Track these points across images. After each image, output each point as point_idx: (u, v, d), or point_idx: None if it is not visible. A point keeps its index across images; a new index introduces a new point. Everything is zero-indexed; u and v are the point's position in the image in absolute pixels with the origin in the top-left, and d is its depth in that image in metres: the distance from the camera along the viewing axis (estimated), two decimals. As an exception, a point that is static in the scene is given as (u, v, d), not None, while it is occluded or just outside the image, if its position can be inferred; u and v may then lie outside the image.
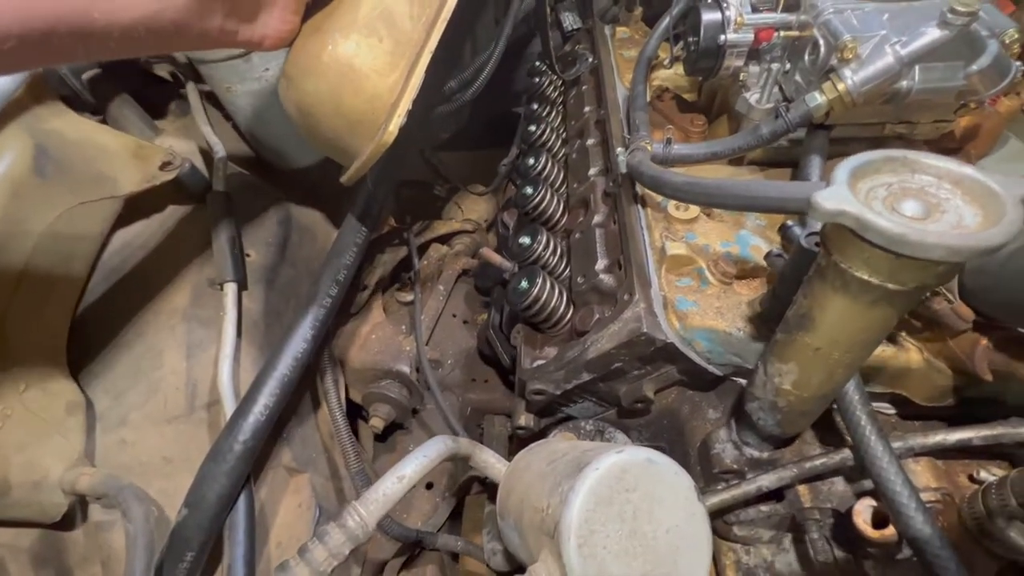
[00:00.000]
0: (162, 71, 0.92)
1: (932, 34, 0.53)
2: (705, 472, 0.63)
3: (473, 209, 1.40)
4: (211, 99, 0.90)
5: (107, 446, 0.63)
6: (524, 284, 0.70)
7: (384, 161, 0.61)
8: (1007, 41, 0.55)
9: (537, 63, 1.22)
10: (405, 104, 0.58)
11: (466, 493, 0.99)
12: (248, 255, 0.81)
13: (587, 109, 0.99)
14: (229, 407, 0.66)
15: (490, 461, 0.66)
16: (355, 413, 1.04)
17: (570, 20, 1.26)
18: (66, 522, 0.61)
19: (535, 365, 0.69)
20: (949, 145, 0.75)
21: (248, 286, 0.78)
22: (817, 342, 0.42)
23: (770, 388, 0.50)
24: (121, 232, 0.71)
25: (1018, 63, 0.60)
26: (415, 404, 1.02)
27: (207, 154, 0.84)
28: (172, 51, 0.76)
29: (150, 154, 0.72)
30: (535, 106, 1.10)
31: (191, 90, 0.88)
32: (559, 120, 1.08)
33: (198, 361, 0.70)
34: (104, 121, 0.79)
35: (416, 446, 1.10)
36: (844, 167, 0.36)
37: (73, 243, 0.64)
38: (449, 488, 0.99)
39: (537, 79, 1.18)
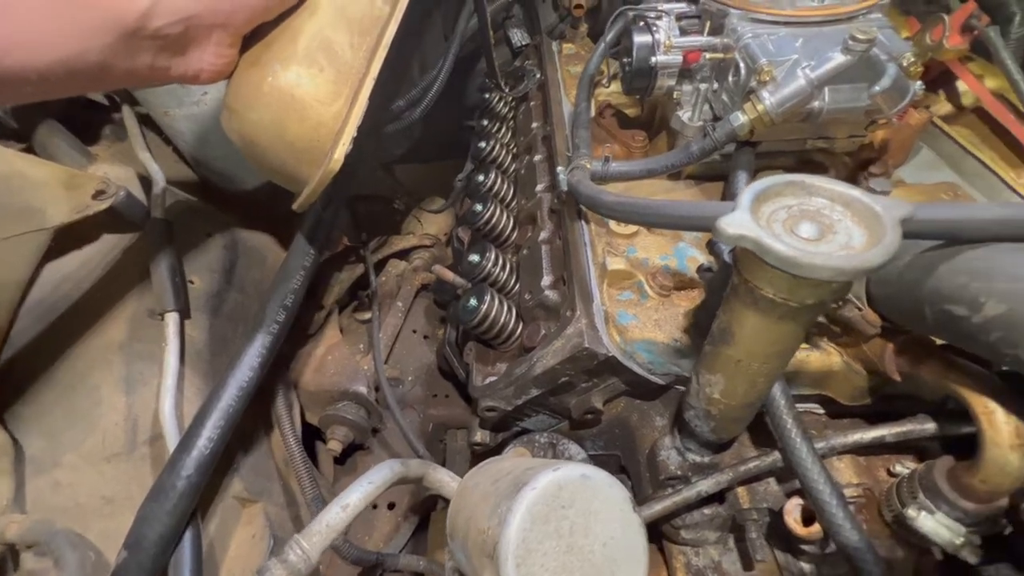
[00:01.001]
0: (95, 94, 0.89)
1: (837, 59, 0.57)
2: (653, 479, 0.65)
3: (432, 223, 1.40)
4: (149, 122, 0.88)
5: (40, 489, 0.61)
6: (472, 302, 0.71)
7: (333, 183, 0.61)
8: (905, 64, 0.59)
9: (487, 79, 1.24)
10: (350, 131, 0.59)
11: (431, 510, 0.99)
12: (191, 282, 0.79)
13: (535, 125, 1.01)
14: (172, 442, 0.64)
15: (444, 480, 0.66)
16: (315, 436, 1.03)
17: (519, 36, 1.29)
18: (-4, 573, 0.58)
19: (486, 382, 0.70)
20: (869, 156, 0.81)
21: (191, 314, 0.76)
22: (737, 354, 0.45)
23: (702, 397, 0.52)
24: (52, 265, 0.68)
25: (918, 83, 0.65)
26: (374, 424, 1.01)
27: (146, 180, 0.82)
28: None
29: (82, 183, 0.70)
30: (485, 122, 1.12)
31: (127, 114, 0.85)
32: (509, 136, 1.10)
33: (139, 395, 0.68)
34: (30, 149, 0.76)
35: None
36: (748, 192, 0.38)
37: (-3, 280, 0.61)
38: (412, 507, 0.99)
39: (487, 95, 1.20)
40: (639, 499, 0.65)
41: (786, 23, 0.64)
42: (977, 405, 0.41)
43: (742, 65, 0.64)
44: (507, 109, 1.16)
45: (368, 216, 1.34)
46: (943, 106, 0.86)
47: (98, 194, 0.70)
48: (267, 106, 0.58)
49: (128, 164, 0.82)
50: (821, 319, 0.55)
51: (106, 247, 0.74)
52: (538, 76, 1.12)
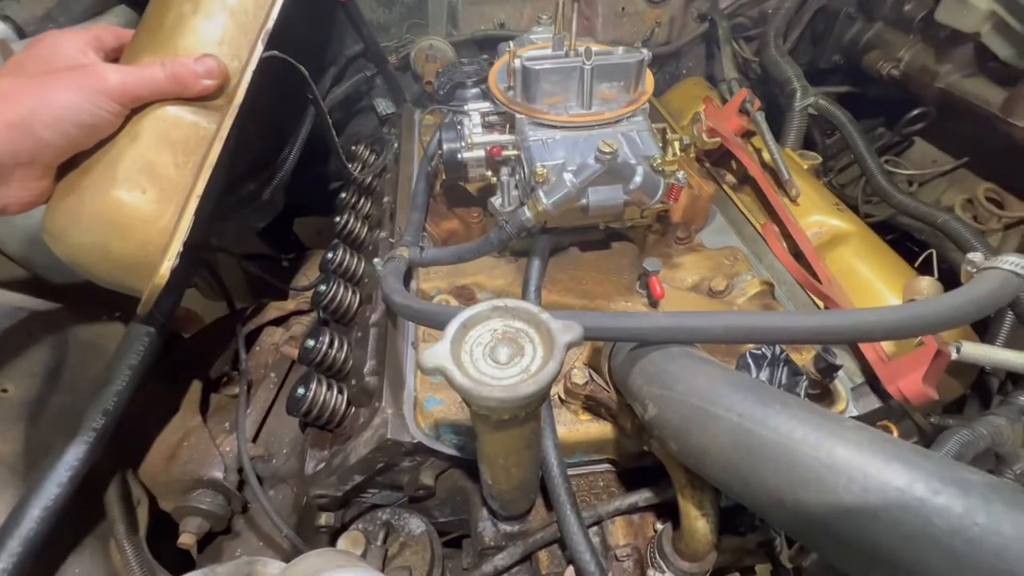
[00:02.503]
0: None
1: (592, 167, 0.66)
2: (473, 550, 0.69)
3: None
4: (-39, 221, 0.84)
5: None
6: (300, 391, 0.74)
7: (168, 287, 0.62)
8: (654, 164, 0.69)
9: (352, 147, 1.28)
10: (176, 245, 0.61)
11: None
12: (4, 391, 0.76)
13: (386, 199, 1.06)
14: (-37, 576, 0.61)
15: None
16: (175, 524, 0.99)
17: (383, 106, 1.34)
18: None
19: (315, 470, 0.72)
20: (673, 222, 0.92)
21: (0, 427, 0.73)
22: (485, 451, 0.50)
23: (484, 480, 0.57)
24: None
25: (681, 173, 0.75)
26: (236, 509, 0.99)
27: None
28: None
29: None
30: (343, 195, 1.15)
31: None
32: (369, 206, 1.14)
33: (-71, 527, 0.64)
34: None
35: (243, 550, 1.06)
36: (456, 320, 0.44)
37: None
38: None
39: (351, 164, 1.24)
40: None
41: (561, 127, 0.73)
42: (676, 481, 0.49)
43: (525, 165, 0.72)
44: (371, 178, 1.20)
45: (256, 276, 1.32)
46: (732, 176, 0.99)
47: None
48: (88, 230, 0.59)
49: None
50: (589, 393, 0.62)
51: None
52: (396, 147, 1.18)
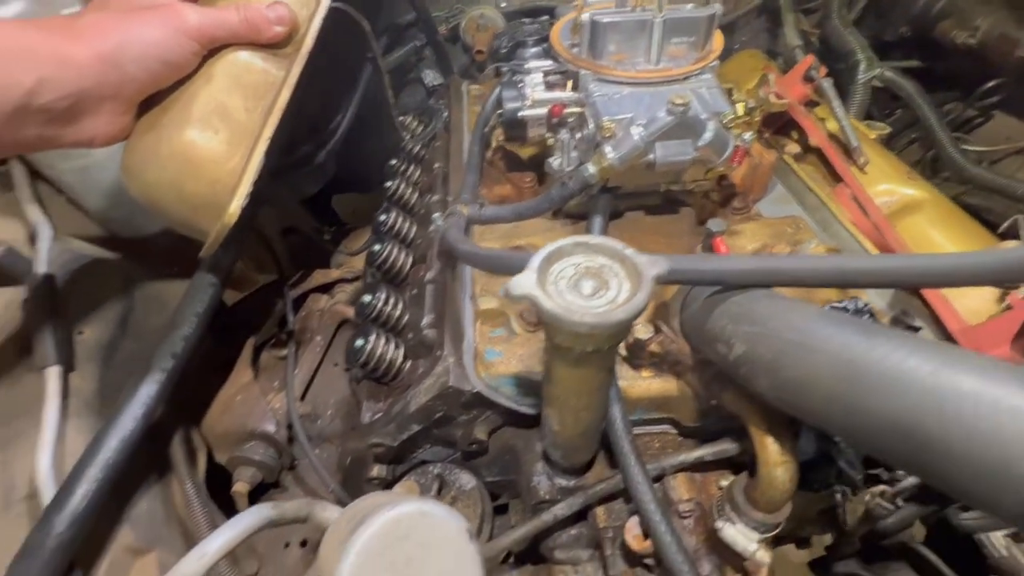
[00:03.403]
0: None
1: (662, 120, 0.64)
2: (527, 504, 0.69)
3: (360, 256, 1.43)
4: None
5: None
6: (359, 343, 0.75)
7: (233, 229, 0.64)
8: (724, 121, 0.67)
9: (400, 117, 1.29)
10: (245, 187, 0.63)
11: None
12: (81, 333, 0.79)
13: (437, 165, 1.06)
14: (47, 498, 0.64)
15: (332, 518, 0.69)
16: (228, 477, 1.03)
17: (431, 77, 1.35)
18: None
19: (373, 419, 0.74)
20: (731, 192, 0.89)
21: (79, 366, 0.76)
22: (556, 392, 0.50)
23: (548, 428, 0.57)
24: (-75, 324, 0.68)
25: (748, 134, 0.74)
26: (286, 463, 1.02)
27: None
28: None
29: (-42, 240, 0.70)
30: (393, 161, 1.16)
31: (15, 166, 0.85)
32: (419, 173, 1.15)
33: (15, 453, 0.68)
34: (-96, 206, 0.76)
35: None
36: (540, 254, 0.44)
37: None
38: (324, 543, 1.00)
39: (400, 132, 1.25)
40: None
41: (628, 83, 0.72)
42: (754, 429, 0.48)
43: (591, 121, 0.71)
44: (420, 148, 1.21)
45: (297, 249, 1.36)
46: (794, 146, 0.96)
47: (-25, 251, 0.70)
48: (164, 167, 0.61)
49: (13, 217, 0.82)
50: (656, 349, 0.61)
51: (-14, 303, 0.74)
52: (445, 116, 1.18)
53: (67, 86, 0.51)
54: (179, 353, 0.76)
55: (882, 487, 0.61)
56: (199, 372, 0.92)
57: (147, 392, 0.70)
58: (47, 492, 0.64)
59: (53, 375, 0.71)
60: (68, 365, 0.74)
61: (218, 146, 0.62)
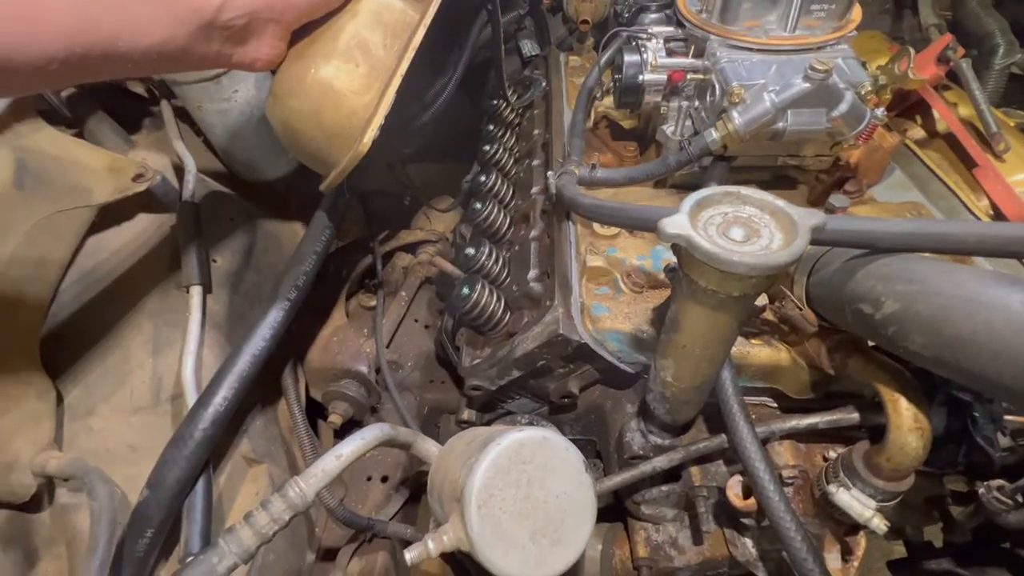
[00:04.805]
0: (137, 88, 0.98)
1: (798, 86, 0.63)
2: (619, 458, 0.71)
3: (439, 220, 1.48)
4: (183, 115, 0.97)
5: (75, 433, 0.69)
6: (465, 291, 0.78)
7: (348, 178, 0.69)
8: (862, 92, 0.65)
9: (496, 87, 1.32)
10: (378, 119, 0.68)
11: (422, 485, 1.06)
12: (215, 261, 0.87)
13: (536, 132, 1.08)
14: (191, 399, 0.72)
15: (430, 450, 0.73)
16: (317, 411, 1.11)
17: (528, 47, 1.36)
18: (33, 504, 0.66)
19: (473, 363, 0.77)
20: (844, 175, 0.86)
21: (213, 290, 0.84)
22: (683, 340, 0.51)
23: (658, 380, 0.59)
24: (95, 239, 0.77)
25: (880, 109, 0.71)
26: (373, 403, 1.08)
27: (179, 167, 0.91)
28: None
29: (124, 167, 0.79)
30: (491, 127, 1.19)
31: (164, 107, 0.94)
32: (513, 140, 1.17)
33: (164, 358, 0.76)
34: (81, 135, 0.86)
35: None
36: (690, 199, 0.45)
37: (48, 248, 0.70)
38: (403, 481, 1.06)
39: (495, 101, 1.27)
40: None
41: (759, 50, 0.71)
42: (886, 394, 0.47)
43: (717, 86, 0.70)
44: (514, 115, 1.23)
45: (379, 211, 1.42)
46: (917, 131, 0.91)
47: (137, 177, 0.79)
48: (308, 95, 0.67)
49: (164, 152, 0.91)
50: (770, 317, 0.61)
51: (141, 226, 0.82)
52: (544, 86, 1.19)
53: (245, 5, 0.57)
54: (300, 286, 0.82)
55: (1000, 481, 0.59)
56: (301, 314, 1.00)
57: (274, 317, 0.77)
58: (191, 394, 0.72)
59: (196, 294, 0.79)
60: (207, 287, 0.82)
61: (358, 79, 0.67)
